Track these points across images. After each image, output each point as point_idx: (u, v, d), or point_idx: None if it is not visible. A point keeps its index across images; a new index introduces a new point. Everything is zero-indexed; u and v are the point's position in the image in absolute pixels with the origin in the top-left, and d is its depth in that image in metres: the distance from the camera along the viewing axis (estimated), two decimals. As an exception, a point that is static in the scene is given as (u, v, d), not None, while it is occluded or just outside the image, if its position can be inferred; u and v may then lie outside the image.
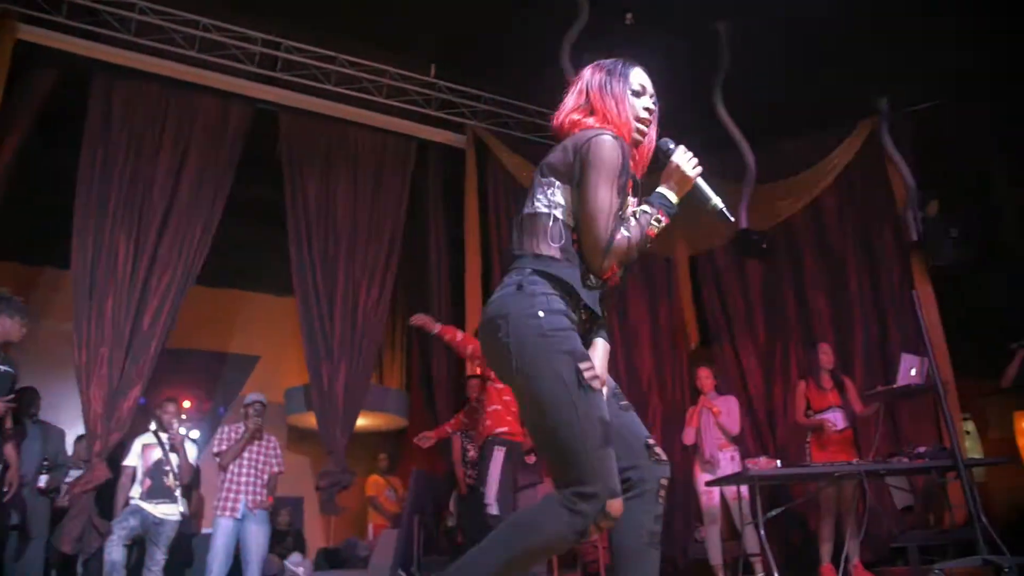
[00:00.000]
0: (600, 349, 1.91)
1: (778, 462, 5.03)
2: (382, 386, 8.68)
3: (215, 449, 5.47)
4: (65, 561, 5.42)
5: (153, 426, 5.50)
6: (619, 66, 1.99)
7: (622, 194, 1.82)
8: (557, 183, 1.85)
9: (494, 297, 1.83)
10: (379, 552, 6.43)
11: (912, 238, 6.79)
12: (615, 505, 1.64)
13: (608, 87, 1.95)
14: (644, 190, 2.01)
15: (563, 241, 1.81)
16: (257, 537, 5.41)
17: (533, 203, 1.87)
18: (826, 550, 5.27)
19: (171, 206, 5.90)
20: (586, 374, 1.69)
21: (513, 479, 5.03)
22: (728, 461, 5.75)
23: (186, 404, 8.34)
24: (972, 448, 11.33)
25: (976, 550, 4.35)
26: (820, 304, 7.13)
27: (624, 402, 1.92)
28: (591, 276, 1.82)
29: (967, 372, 6.87)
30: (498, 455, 4.75)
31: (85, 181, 5.63)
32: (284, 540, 7.62)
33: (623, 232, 1.77)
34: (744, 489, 5.14)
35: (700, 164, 1.92)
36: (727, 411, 5.96)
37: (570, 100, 2.01)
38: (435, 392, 7.03)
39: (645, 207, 1.85)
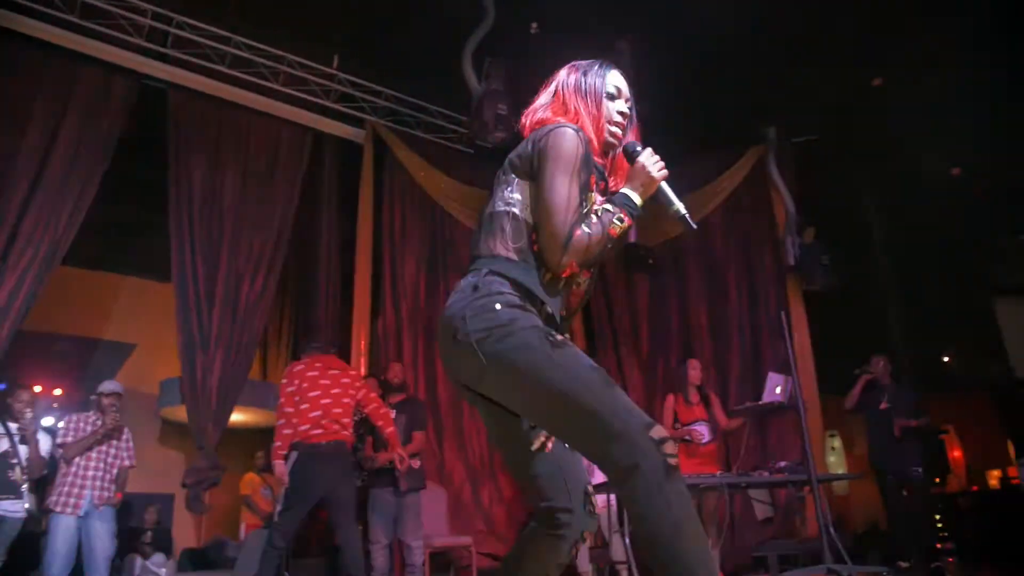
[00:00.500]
0: None
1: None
2: (264, 381, 8.41)
3: (59, 440, 5.09)
4: None
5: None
6: (595, 67, 1.96)
7: (584, 190, 1.76)
8: (516, 179, 1.80)
9: (449, 303, 1.74)
10: (247, 553, 6.19)
11: (789, 263, 7.16)
12: (657, 432, 1.53)
13: (583, 87, 1.91)
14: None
15: (521, 241, 1.75)
16: (102, 537, 5.01)
17: (494, 202, 1.83)
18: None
19: (39, 179, 5.52)
20: (554, 337, 1.62)
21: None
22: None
23: (36, 389, 7.83)
24: (837, 463, 12.05)
25: (823, 559, 4.63)
26: (702, 320, 7.41)
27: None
28: (550, 278, 1.75)
29: (836, 390, 7.29)
30: None
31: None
32: (145, 538, 7.26)
33: (583, 228, 1.69)
34: (613, 498, 5.26)
35: (665, 168, 1.87)
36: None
37: (541, 99, 1.97)
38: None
39: (607, 206, 1.77)
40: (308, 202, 7.15)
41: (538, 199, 1.73)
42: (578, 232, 1.68)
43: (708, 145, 7.51)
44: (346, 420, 4.72)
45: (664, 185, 1.86)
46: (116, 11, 5.80)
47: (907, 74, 6.70)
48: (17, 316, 5.32)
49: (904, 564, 5.99)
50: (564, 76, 1.98)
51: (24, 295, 5.35)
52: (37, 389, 7.70)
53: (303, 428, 4.59)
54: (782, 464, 5.42)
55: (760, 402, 5.41)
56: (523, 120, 1.97)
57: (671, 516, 1.48)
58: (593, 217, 1.74)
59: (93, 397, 5.32)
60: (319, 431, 4.58)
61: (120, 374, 8.21)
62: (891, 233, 7.83)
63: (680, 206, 1.85)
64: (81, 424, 5.14)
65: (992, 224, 7.55)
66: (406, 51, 6.71)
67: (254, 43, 6.36)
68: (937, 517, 7.69)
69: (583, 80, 1.93)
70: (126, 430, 5.34)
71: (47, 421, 7.07)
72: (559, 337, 1.64)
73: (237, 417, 8.14)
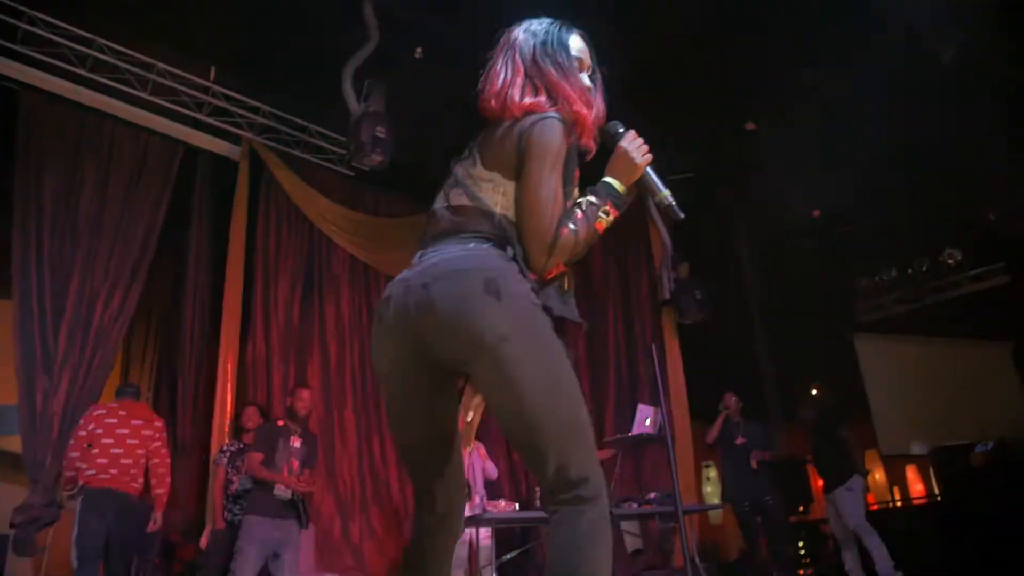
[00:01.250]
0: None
1: (516, 505, 5.10)
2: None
3: None
4: None
5: None
6: (555, 34, 1.74)
7: (568, 183, 1.64)
8: (498, 176, 1.64)
9: (430, 263, 1.53)
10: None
11: (665, 296, 7.36)
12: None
13: (556, 62, 1.71)
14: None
15: (506, 230, 1.61)
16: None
17: (462, 194, 1.65)
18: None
19: None
20: (560, 346, 1.55)
21: None
22: (477, 505, 5.77)
23: None
24: (714, 493, 12.35)
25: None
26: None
27: None
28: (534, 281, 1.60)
29: (713, 420, 7.50)
30: None
31: None
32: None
33: (569, 226, 1.56)
34: (484, 532, 5.15)
35: (650, 152, 1.71)
36: (481, 455, 6.02)
37: (506, 75, 1.73)
38: (178, 420, 6.46)
39: (591, 197, 1.64)
40: (177, 219, 6.77)
41: (523, 198, 1.59)
42: (564, 231, 1.56)
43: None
44: (135, 471, 4.80)
45: (650, 171, 1.70)
46: (-41, 2, 5.34)
47: (776, 118, 7.07)
48: None
49: None
50: (522, 45, 1.76)
51: None
52: None
53: (88, 473, 4.65)
54: (652, 495, 5.49)
55: (629, 434, 5.46)
56: (493, 101, 1.72)
57: (600, 553, 1.45)
58: (577, 211, 1.61)
59: None
60: (104, 476, 4.65)
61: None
62: (760, 270, 8.18)
63: (667, 193, 1.69)
64: None
65: (850, 265, 8.03)
66: (287, 68, 6.51)
67: (120, 47, 5.99)
68: (800, 544, 7.99)
69: (548, 53, 1.73)
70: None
71: None
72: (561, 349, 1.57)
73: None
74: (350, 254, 7.44)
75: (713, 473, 12.19)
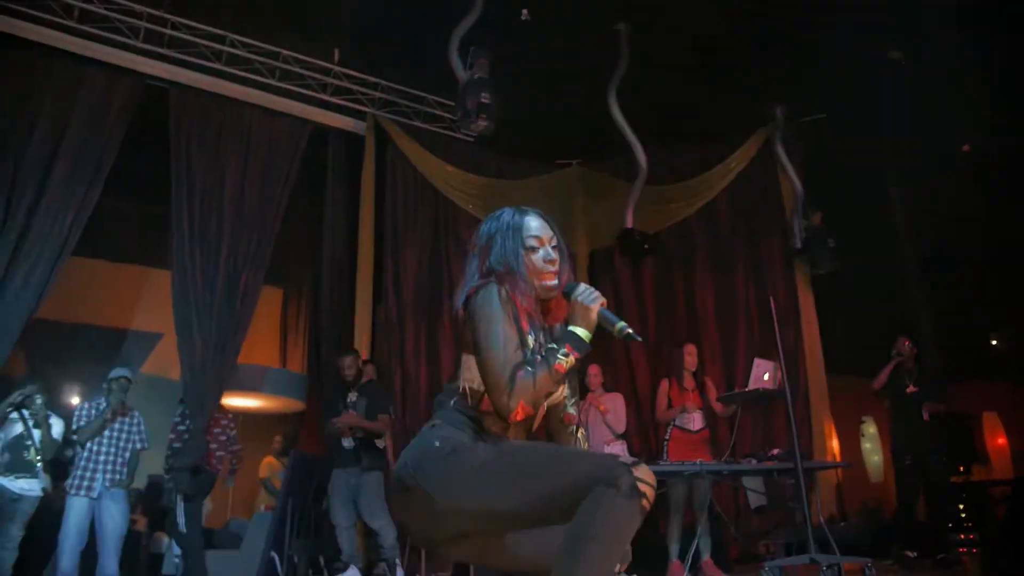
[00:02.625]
0: None
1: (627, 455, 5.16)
2: (283, 369, 8.65)
3: (74, 426, 5.42)
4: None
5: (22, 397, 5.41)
6: (508, 218, 1.91)
7: (518, 333, 1.78)
8: (465, 356, 1.83)
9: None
10: (252, 533, 6.43)
11: (796, 246, 6.97)
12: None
13: (499, 245, 1.88)
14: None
15: (467, 404, 1.81)
16: (114, 516, 5.34)
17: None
18: (674, 548, 5.40)
19: (47, 177, 5.79)
20: (500, 444, 1.75)
21: None
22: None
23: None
24: (872, 449, 11.68)
25: (807, 548, 4.54)
26: (708, 306, 7.29)
27: None
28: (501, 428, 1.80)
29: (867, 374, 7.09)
30: None
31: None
32: (167, 519, 7.59)
33: (526, 369, 1.69)
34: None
35: (602, 296, 1.85)
36: (614, 409, 6.06)
37: (470, 270, 1.93)
38: (323, 380, 7.06)
39: (552, 344, 1.79)
40: (313, 193, 7.31)
41: (476, 355, 1.75)
42: (520, 373, 1.69)
43: (715, 128, 7.36)
44: None
45: (603, 310, 1.83)
46: (113, 15, 6.03)
47: (921, 46, 6.41)
48: (28, 308, 5.60)
49: (911, 554, 5.79)
50: (482, 242, 1.93)
51: (34, 288, 5.63)
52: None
53: None
54: (774, 452, 5.32)
55: (747, 389, 5.31)
56: (458, 305, 1.89)
57: (613, 521, 1.55)
58: (537, 357, 1.75)
59: (104, 384, 5.61)
60: None
61: (148, 362, 8.59)
62: (910, 212, 7.52)
63: (622, 325, 1.80)
64: (92, 411, 5.44)
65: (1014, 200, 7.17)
66: (403, 42, 6.77)
67: (249, 40, 6.51)
68: (960, 507, 7.40)
69: (498, 241, 1.89)
70: (136, 413, 5.63)
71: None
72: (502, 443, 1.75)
73: (255, 403, 8.44)
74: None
75: (872, 428, 11.50)
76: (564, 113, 7.21)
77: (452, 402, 1.83)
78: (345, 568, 5.24)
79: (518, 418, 1.72)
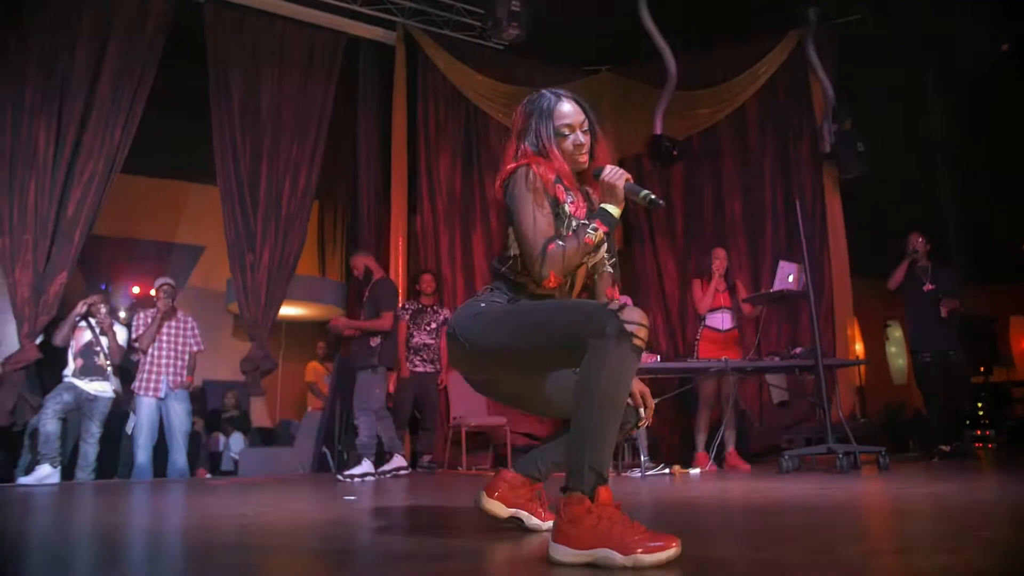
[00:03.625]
0: None
1: (657, 357, 5.44)
2: (322, 277, 8.98)
3: (134, 335, 5.83)
4: (2, 432, 5.83)
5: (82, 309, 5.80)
6: (542, 104, 2.06)
7: (554, 213, 1.95)
8: (510, 227, 2.02)
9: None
10: (304, 431, 6.91)
11: (825, 150, 7.00)
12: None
13: (533, 130, 2.04)
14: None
15: (509, 267, 2.02)
16: (179, 414, 5.83)
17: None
18: (700, 439, 5.75)
19: (91, 97, 5.99)
20: (514, 303, 1.95)
21: None
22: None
23: (135, 290, 8.70)
24: (898, 353, 11.91)
25: (825, 440, 4.84)
26: (736, 210, 7.41)
27: None
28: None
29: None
30: None
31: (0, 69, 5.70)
32: (227, 419, 8.15)
33: (557, 243, 1.87)
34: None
35: (626, 172, 2.00)
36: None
37: (509, 150, 2.09)
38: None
39: (584, 220, 1.95)
40: (346, 105, 7.43)
41: (514, 230, 1.97)
42: (551, 247, 1.87)
43: (745, 31, 7.26)
44: None
45: (628, 185, 1.98)
46: (144, -72, 6.05)
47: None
48: (86, 224, 5.91)
49: (945, 448, 5.95)
50: (519, 126, 2.10)
51: (89, 204, 5.92)
52: (136, 290, 8.60)
53: None
54: (797, 350, 5.55)
55: (771, 290, 5.50)
56: (498, 185, 2.07)
57: (609, 369, 1.68)
58: (569, 232, 1.93)
59: (152, 293, 5.99)
60: None
61: (194, 274, 8.97)
62: (945, 116, 7.45)
63: (646, 193, 1.95)
64: (147, 319, 5.84)
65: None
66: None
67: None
68: (979, 405, 7.63)
69: (532, 125, 2.05)
70: (190, 319, 6.02)
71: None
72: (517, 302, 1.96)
73: (298, 311, 8.82)
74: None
75: (897, 332, 11.69)
76: (593, 19, 7.15)
77: (502, 269, 2.06)
78: (358, 461, 5.39)
79: (551, 284, 1.91)
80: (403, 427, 6.26)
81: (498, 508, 2.14)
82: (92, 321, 5.80)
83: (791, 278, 5.45)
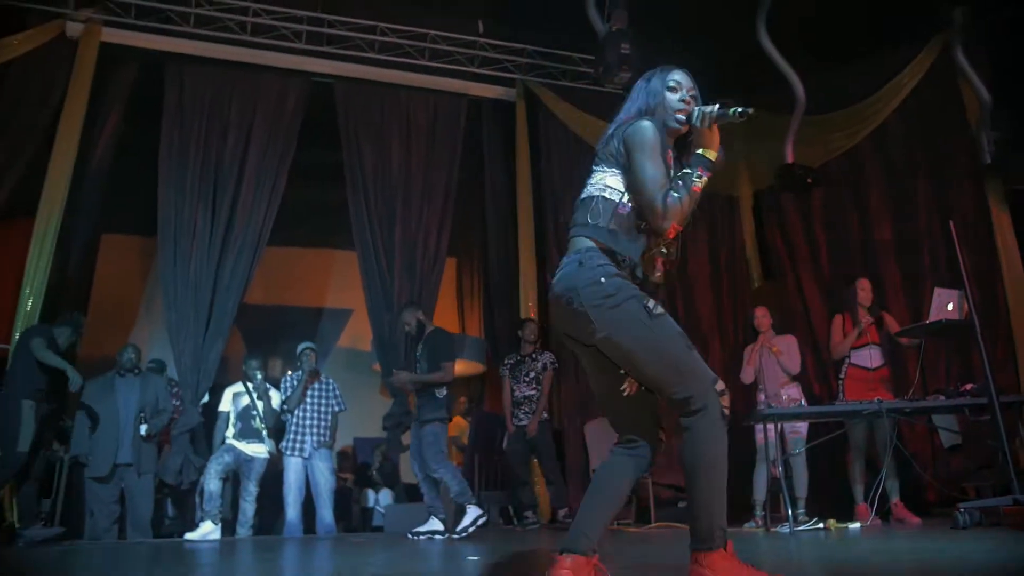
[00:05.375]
0: None
1: (802, 400, 5.04)
2: (461, 333, 9.17)
3: (282, 397, 6.18)
4: (173, 490, 6.32)
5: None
6: (658, 70, 2.24)
7: (664, 165, 2.08)
8: (605, 168, 2.15)
9: (559, 275, 2.13)
10: (445, 487, 6.97)
11: (985, 161, 6.32)
12: (720, 385, 1.95)
13: (646, 88, 2.22)
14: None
15: (608, 218, 2.09)
16: (324, 473, 6.08)
17: (586, 188, 2.19)
18: (859, 490, 5.23)
19: (240, 178, 6.56)
20: (652, 307, 2.00)
21: None
22: (788, 399, 5.73)
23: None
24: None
25: (1010, 490, 4.24)
26: (886, 235, 6.83)
27: None
28: (636, 242, 2.12)
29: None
30: None
31: (165, 160, 6.37)
32: (375, 474, 8.41)
33: (672, 195, 1.98)
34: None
35: (713, 106, 2.08)
36: (787, 350, 5.91)
37: (624, 108, 2.26)
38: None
39: (686, 170, 2.06)
40: (474, 164, 7.66)
41: (632, 182, 2.06)
42: (670, 199, 1.99)
43: (880, 43, 6.78)
44: None
45: (717, 113, 2.04)
46: (279, 24, 6.63)
47: None
48: (237, 294, 6.40)
49: None
50: (637, 86, 2.28)
51: (241, 276, 6.42)
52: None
53: None
54: (967, 387, 4.96)
55: (928, 321, 4.97)
56: (609, 132, 2.23)
57: (712, 451, 1.93)
58: (679, 182, 2.03)
59: (296, 360, 6.35)
60: None
61: (343, 336, 9.46)
62: None
63: (734, 108, 2.01)
64: (294, 381, 6.18)
65: None
66: (542, 4, 6.84)
67: (398, 26, 6.90)
68: None
69: (646, 84, 2.23)
70: (331, 381, 6.33)
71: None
72: (654, 304, 2.01)
73: (440, 367, 9.03)
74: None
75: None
76: (715, 50, 6.96)
77: (589, 219, 2.11)
78: (426, 519, 5.31)
79: (671, 235, 2.06)
80: (526, 483, 6.19)
81: None
82: (249, 386, 6.22)
83: (950, 306, 4.92)
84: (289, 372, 6.33)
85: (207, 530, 5.64)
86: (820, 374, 6.98)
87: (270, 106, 6.72)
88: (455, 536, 5.09)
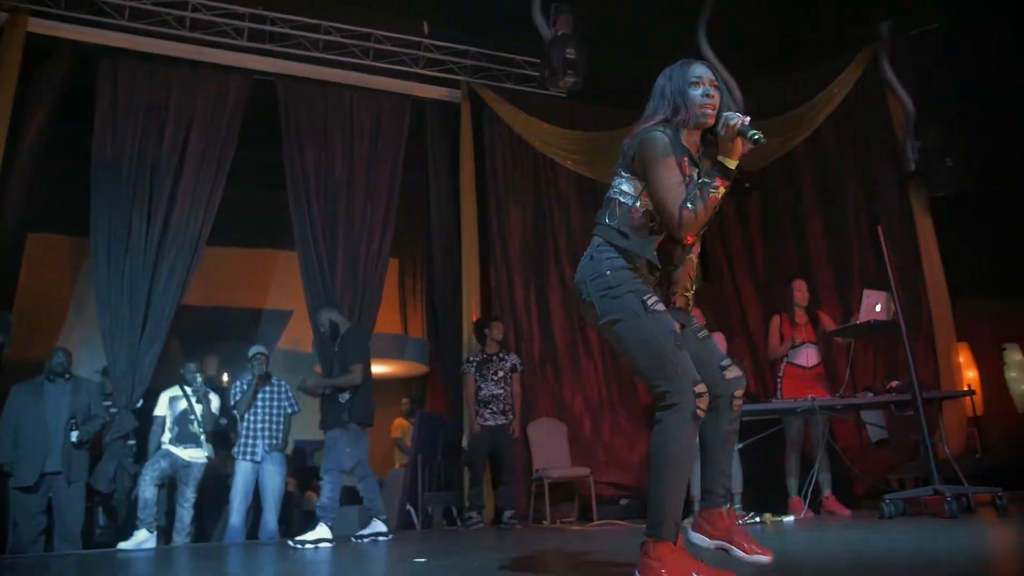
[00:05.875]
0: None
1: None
2: (404, 335, 9.13)
3: (232, 402, 6.06)
4: (104, 499, 6.12)
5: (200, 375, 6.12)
6: (678, 65, 2.29)
7: (680, 172, 2.15)
8: (623, 173, 2.25)
9: (578, 268, 2.30)
10: (388, 489, 6.94)
11: (910, 168, 6.63)
12: (700, 388, 2.03)
13: (669, 86, 2.26)
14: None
15: (625, 220, 2.21)
16: (274, 478, 5.98)
17: (610, 188, 2.30)
18: (792, 484, 5.41)
19: (178, 177, 6.37)
20: (649, 303, 2.12)
21: None
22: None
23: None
24: (1020, 377, 10.93)
25: (931, 481, 4.46)
26: (818, 238, 7.08)
27: (702, 333, 2.31)
28: (662, 245, 2.22)
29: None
30: None
31: (98, 158, 6.16)
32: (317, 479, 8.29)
33: (688, 207, 2.06)
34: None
35: (740, 118, 2.12)
36: (712, 346, 6.07)
37: (647, 112, 2.31)
38: (440, 342, 7.45)
39: (705, 178, 2.10)
40: (418, 166, 7.62)
41: (652, 195, 2.16)
42: (685, 212, 2.07)
43: (814, 54, 7.03)
44: None
45: (742, 128, 2.07)
46: (219, 20, 6.48)
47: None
48: (175, 297, 6.23)
49: None
50: (658, 82, 2.33)
51: (178, 279, 6.25)
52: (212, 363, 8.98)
53: None
54: (893, 384, 5.19)
55: (858, 321, 5.18)
56: (627, 143, 2.30)
57: (677, 447, 2.04)
58: (696, 191, 2.09)
59: (246, 364, 6.23)
60: None
61: (283, 338, 9.30)
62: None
63: (752, 132, 2.05)
64: (244, 385, 6.07)
65: None
66: (487, 6, 6.85)
67: (342, 25, 6.83)
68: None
69: (668, 81, 2.28)
70: (283, 382, 6.25)
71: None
72: (653, 300, 2.13)
73: (382, 369, 8.96)
74: (575, 173, 7.73)
75: (1017, 355, 10.75)
76: (658, 57, 7.08)
77: (607, 219, 2.25)
78: (368, 522, 5.21)
79: (689, 242, 2.23)
80: (478, 484, 6.20)
81: (702, 541, 2.23)
82: (188, 390, 6.07)
83: (878, 307, 5.14)
84: (237, 381, 6.22)
85: (142, 539, 5.49)
86: (757, 373, 7.20)
87: (209, 104, 6.55)
88: (291, 543, 4.92)
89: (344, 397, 5.29)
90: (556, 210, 7.61)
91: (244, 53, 6.69)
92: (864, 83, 6.96)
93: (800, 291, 5.68)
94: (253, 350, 6.20)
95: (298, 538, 4.94)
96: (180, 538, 5.78)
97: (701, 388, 2.03)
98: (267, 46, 6.74)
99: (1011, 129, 6.96)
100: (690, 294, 2.34)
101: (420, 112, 7.50)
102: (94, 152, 6.16)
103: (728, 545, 2.20)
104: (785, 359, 5.63)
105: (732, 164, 2.09)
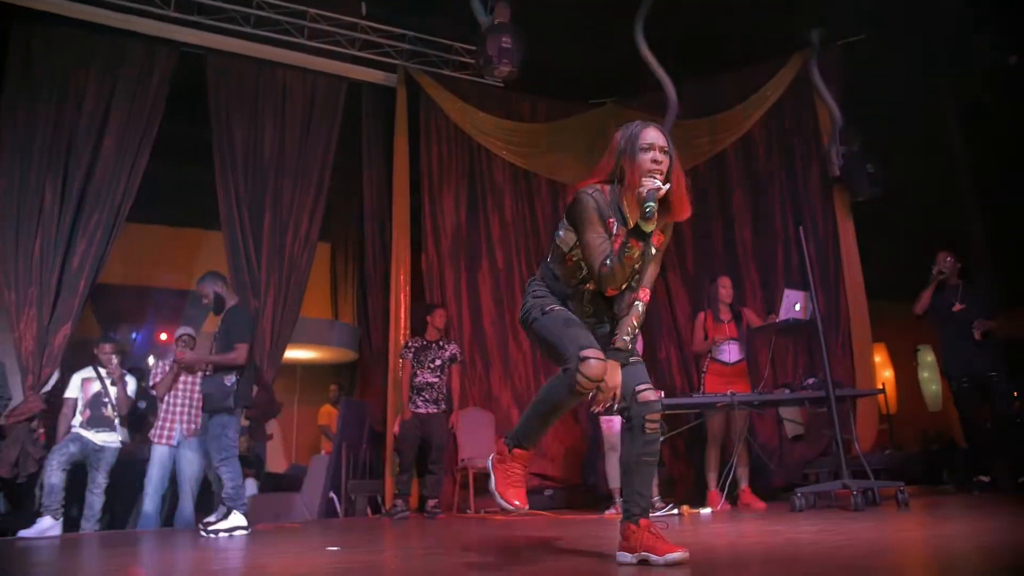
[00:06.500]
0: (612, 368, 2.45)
1: (662, 393, 5.26)
2: (334, 320, 8.98)
3: (151, 382, 5.84)
4: (7, 484, 5.84)
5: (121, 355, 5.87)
6: (636, 126, 2.45)
7: (606, 230, 2.38)
8: (565, 222, 2.50)
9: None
10: (311, 476, 6.83)
11: (835, 173, 6.83)
12: (587, 352, 2.24)
13: (621, 146, 2.43)
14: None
15: (554, 261, 2.55)
16: (191, 462, 5.77)
17: (556, 230, 2.57)
18: (711, 477, 5.53)
19: (97, 150, 6.10)
20: (546, 308, 2.48)
21: None
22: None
23: (163, 336, 8.81)
24: (931, 378, 11.47)
25: (840, 475, 4.61)
26: (746, 238, 7.25)
27: (633, 358, 2.51)
28: (578, 287, 2.51)
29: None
30: None
31: (7, 127, 5.84)
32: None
33: (607, 264, 2.31)
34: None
35: (652, 188, 2.28)
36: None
37: (600, 165, 2.50)
38: (371, 328, 7.34)
39: (625, 239, 2.30)
40: (352, 150, 7.48)
41: (581, 250, 2.42)
42: (604, 269, 2.33)
43: (748, 58, 7.18)
44: None
45: (646, 205, 2.24)
46: (145, -14, 6.23)
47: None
48: (90, 275, 5.97)
49: (985, 479, 5.68)
50: (613, 144, 2.49)
51: (94, 255, 5.99)
52: (163, 336, 8.70)
53: None
54: (810, 381, 5.35)
55: (777, 320, 5.32)
56: (570, 198, 2.52)
57: (548, 390, 2.40)
58: (613, 255, 2.32)
59: (174, 345, 6.02)
60: None
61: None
62: (961, 132, 7.23)
63: (648, 205, 2.23)
64: (165, 367, 5.86)
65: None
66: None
67: (276, 1, 6.63)
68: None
69: (622, 142, 2.44)
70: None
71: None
72: (548, 307, 2.48)
73: (311, 355, 8.83)
74: (510, 163, 7.71)
75: (929, 356, 11.28)
76: (596, 52, 7.13)
77: (548, 258, 2.60)
78: (225, 515, 4.82)
79: (613, 294, 2.44)
80: (408, 471, 6.11)
81: (625, 558, 2.39)
82: (102, 371, 5.83)
83: (797, 307, 5.29)
84: (159, 362, 6.01)
85: (46, 526, 5.25)
86: (682, 367, 7.33)
87: (133, 75, 6.29)
88: (201, 528, 4.78)
89: (231, 380, 4.96)
90: (490, 200, 7.58)
91: (171, 24, 6.43)
92: (795, 88, 7.14)
93: (725, 288, 5.79)
94: (180, 331, 5.99)
95: (211, 527, 4.77)
96: (89, 525, 5.55)
97: (588, 352, 2.24)
98: (195, 17, 6.49)
99: (917, 140, 7.28)
100: (629, 338, 2.47)
101: (355, 95, 7.36)
102: (2, 120, 5.84)
103: (645, 553, 2.32)
104: (709, 355, 5.73)
105: (647, 228, 2.26)
